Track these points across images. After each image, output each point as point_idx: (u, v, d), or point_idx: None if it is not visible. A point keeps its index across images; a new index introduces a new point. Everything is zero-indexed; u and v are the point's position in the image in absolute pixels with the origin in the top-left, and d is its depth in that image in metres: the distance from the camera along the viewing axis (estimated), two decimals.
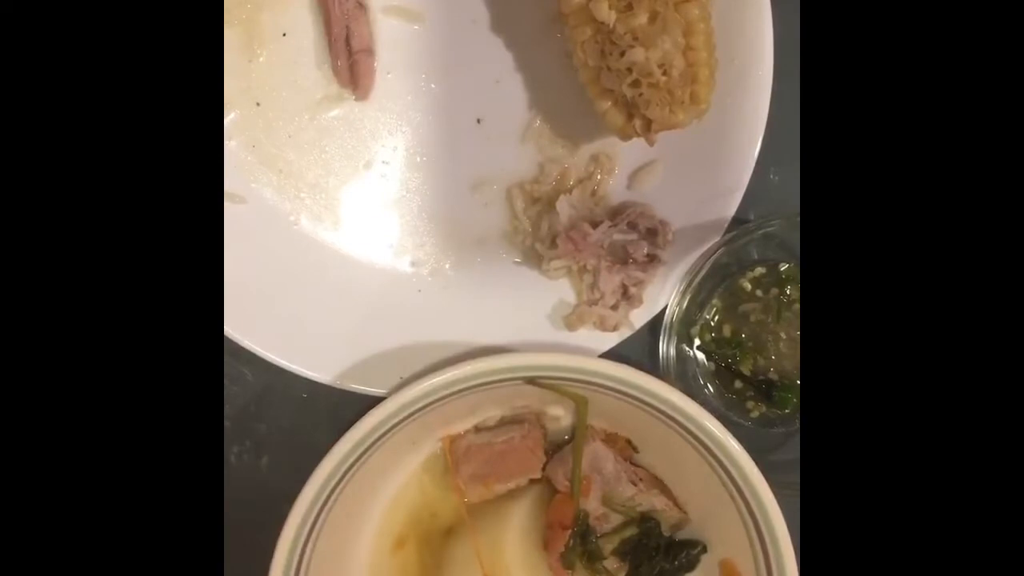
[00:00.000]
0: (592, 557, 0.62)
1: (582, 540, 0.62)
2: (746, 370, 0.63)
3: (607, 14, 0.53)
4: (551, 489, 0.64)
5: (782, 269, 0.63)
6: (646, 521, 0.62)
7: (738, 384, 0.64)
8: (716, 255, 0.60)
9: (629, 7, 0.53)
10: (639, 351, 0.64)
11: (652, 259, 0.62)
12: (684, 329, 0.63)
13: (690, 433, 0.57)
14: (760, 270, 0.63)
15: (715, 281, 0.63)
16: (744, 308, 0.63)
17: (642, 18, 0.53)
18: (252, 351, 0.61)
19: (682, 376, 0.63)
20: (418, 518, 0.66)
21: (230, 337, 0.61)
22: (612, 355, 0.63)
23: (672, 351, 0.62)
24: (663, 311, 0.62)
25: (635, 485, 0.62)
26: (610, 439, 0.64)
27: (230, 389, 0.65)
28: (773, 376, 0.63)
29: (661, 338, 0.62)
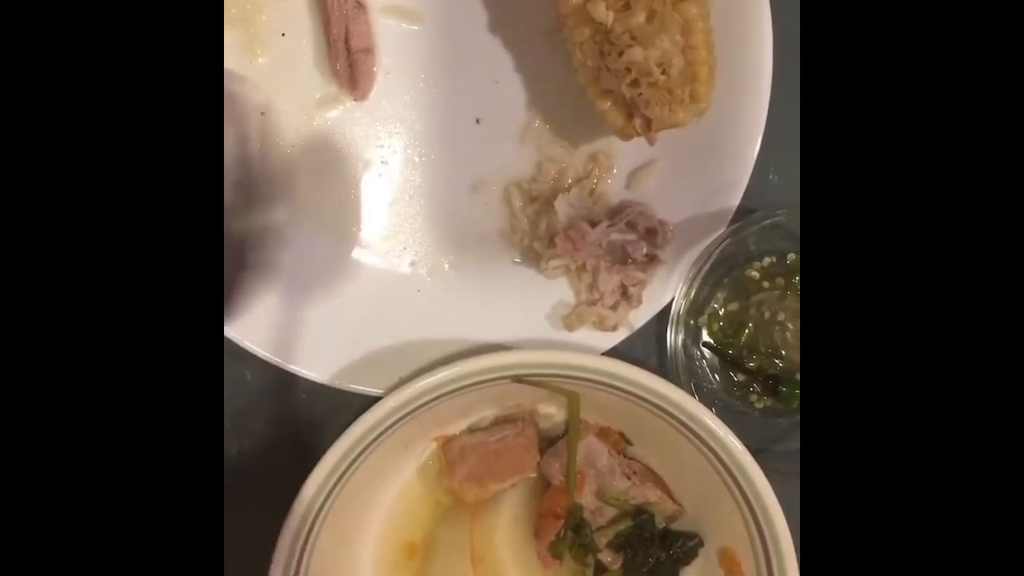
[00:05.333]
0: (587, 550, 0.62)
1: (577, 533, 0.62)
2: (753, 361, 0.63)
3: (604, 14, 0.53)
4: (545, 483, 0.64)
5: (789, 259, 0.63)
6: (640, 514, 0.63)
7: (745, 376, 0.64)
8: (723, 245, 0.60)
9: (627, 7, 0.53)
10: (647, 342, 0.65)
11: (651, 259, 0.62)
12: (692, 319, 0.63)
13: (682, 424, 0.58)
14: (768, 260, 0.63)
15: (722, 271, 0.63)
16: (752, 298, 0.63)
17: (640, 17, 0.53)
18: (252, 352, 0.61)
19: (689, 367, 0.63)
20: (414, 518, 0.66)
21: (230, 338, 0.61)
22: (619, 347, 0.63)
23: (679, 342, 0.62)
24: (670, 304, 0.62)
25: (629, 478, 0.62)
26: (603, 433, 0.64)
27: (230, 389, 0.65)
28: (780, 366, 0.63)
29: (668, 329, 0.62)
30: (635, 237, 0.61)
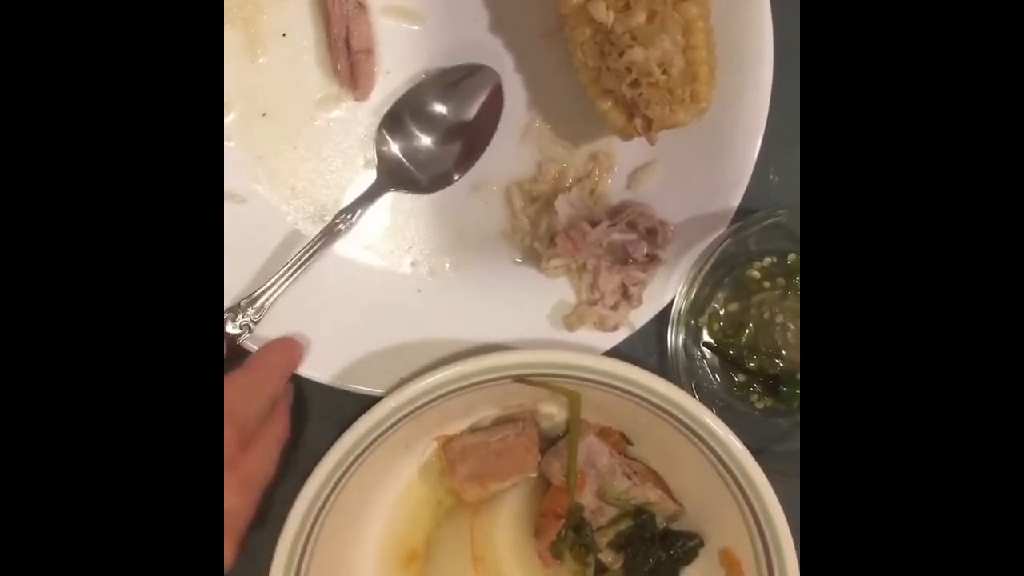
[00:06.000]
0: (588, 550, 0.62)
1: (578, 533, 0.62)
2: (753, 361, 0.63)
3: (605, 14, 0.53)
4: (546, 482, 0.64)
5: (790, 259, 0.63)
6: (640, 514, 0.63)
7: (745, 376, 0.64)
8: (724, 245, 0.60)
9: (627, 7, 0.53)
10: (647, 342, 0.64)
11: (652, 259, 0.62)
12: (692, 319, 0.63)
13: (683, 424, 0.58)
14: (768, 260, 0.63)
15: (723, 271, 0.63)
16: (752, 298, 0.63)
17: (640, 17, 0.53)
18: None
19: (690, 367, 0.63)
20: (415, 519, 0.66)
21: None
22: (620, 346, 0.63)
23: (680, 342, 0.62)
24: (670, 304, 0.62)
25: (629, 479, 0.62)
26: (604, 433, 0.64)
27: None
28: (781, 366, 0.63)
29: (669, 329, 0.62)
30: (636, 237, 0.61)
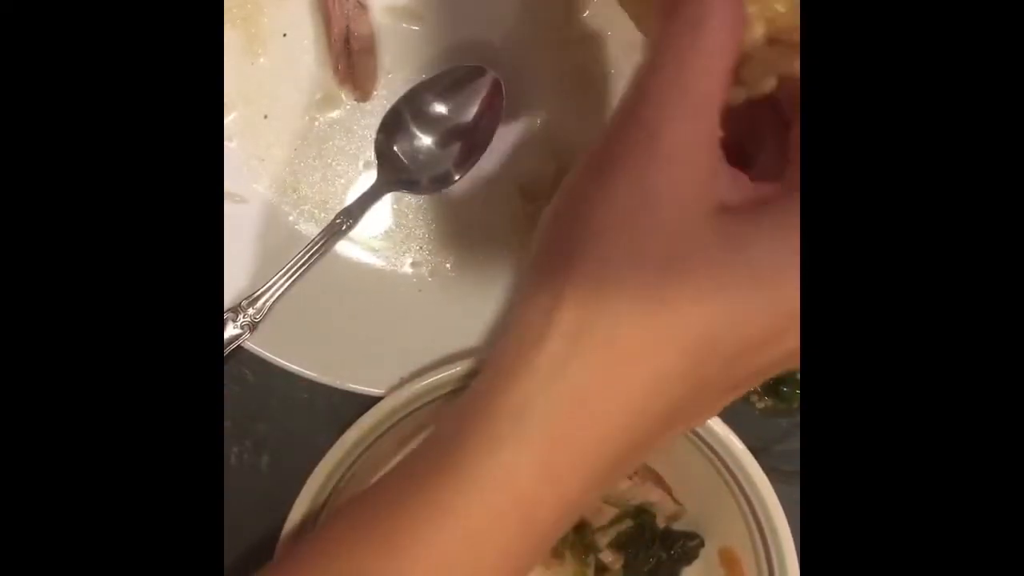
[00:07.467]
0: (588, 550, 0.62)
1: (578, 533, 0.62)
2: None
3: None
4: None
5: None
6: (641, 514, 0.63)
7: None
8: None
9: None
10: None
11: None
12: None
13: None
14: None
15: None
16: None
17: None
18: (252, 352, 0.61)
19: None
20: None
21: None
22: None
23: None
24: None
25: (630, 479, 0.62)
26: None
27: (230, 389, 0.65)
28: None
29: None
30: None
